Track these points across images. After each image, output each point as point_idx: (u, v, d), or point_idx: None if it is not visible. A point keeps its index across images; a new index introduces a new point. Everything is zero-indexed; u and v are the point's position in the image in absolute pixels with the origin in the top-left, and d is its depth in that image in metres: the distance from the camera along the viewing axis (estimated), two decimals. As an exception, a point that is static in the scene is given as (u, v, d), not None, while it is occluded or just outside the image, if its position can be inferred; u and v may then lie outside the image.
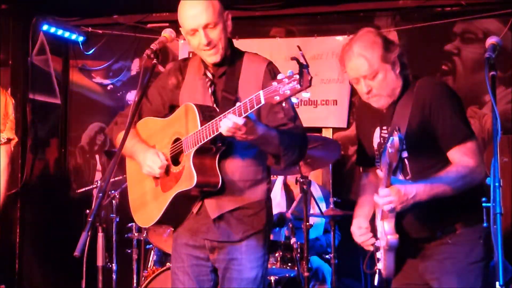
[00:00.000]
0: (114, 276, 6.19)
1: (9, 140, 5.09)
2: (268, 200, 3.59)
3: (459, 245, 3.27)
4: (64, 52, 7.86)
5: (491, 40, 3.05)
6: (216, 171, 3.40)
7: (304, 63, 2.86)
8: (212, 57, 3.48)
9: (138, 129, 3.71)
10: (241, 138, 3.16)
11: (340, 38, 7.04)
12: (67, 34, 7.58)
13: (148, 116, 3.72)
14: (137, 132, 3.69)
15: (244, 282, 3.49)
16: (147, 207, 3.66)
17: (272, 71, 3.49)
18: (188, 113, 3.42)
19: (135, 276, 6.10)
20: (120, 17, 7.58)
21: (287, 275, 5.47)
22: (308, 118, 6.78)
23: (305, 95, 2.92)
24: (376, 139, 3.47)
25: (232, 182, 3.46)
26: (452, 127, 3.23)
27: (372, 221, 3.43)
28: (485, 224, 2.73)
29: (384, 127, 3.40)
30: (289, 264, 5.57)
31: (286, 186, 6.57)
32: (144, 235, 5.91)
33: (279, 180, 6.51)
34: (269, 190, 3.60)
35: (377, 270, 3.40)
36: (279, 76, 2.95)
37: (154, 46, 3.37)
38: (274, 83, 2.94)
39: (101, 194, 2.98)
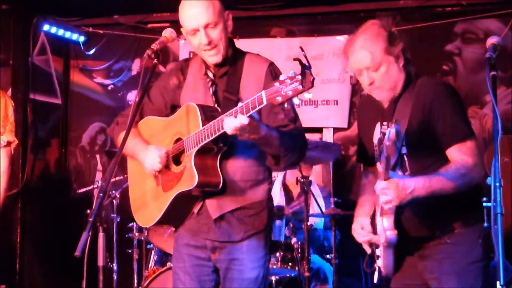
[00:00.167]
0: (115, 276, 6.19)
1: (9, 143, 5.10)
2: (269, 200, 3.59)
3: (458, 245, 3.27)
4: (65, 52, 7.86)
5: (491, 40, 3.04)
6: (217, 171, 3.40)
7: (307, 64, 2.86)
8: (213, 57, 3.48)
9: (140, 129, 3.71)
10: (243, 138, 3.16)
11: (340, 38, 7.05)
12: (68, 34, 7.58)
13: (150, 116, 3.72)
14: (138, 131, 3.70)
15: (245, 282, 3.49)
16: (148, 207, 3.66)
17: (273, 72, 3.49)
18: (189, 113, 3.42)
19: (135, 276, 6.11)
20: (121, 17, 7.59)
21: (288, 275, 5.47)
22: (308, 118, 6.79)
23: (307, 96, 2.92)
24: (376, 135, 3.47)
25: (234, 182, 3.46)
26: (452, 125, 3.23)
27: (373, 219, 3.43)
28: (485, 224, 2.73)
29: (385, 123, 3.40)
30: (290, 264, 5.58)
31: (285, 186, 6.58)
32: (144, 235, 5.91)
33: (278, 180, 6.52)
34: (270, 190, 3.60)
35: (377, 268, 3.40)
36: (281, 77, 2.95)
37: (154, 46, 3.37)
38: (276, 84, 2.94)
39: (101, 194, 2.98)
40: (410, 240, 3.32)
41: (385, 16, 6.78)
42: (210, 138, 3.25)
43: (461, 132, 3.23)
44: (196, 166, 3.32)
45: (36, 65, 7.24)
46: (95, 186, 6.48)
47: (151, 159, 3.52)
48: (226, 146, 3.38)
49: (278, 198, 6.38)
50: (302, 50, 2.95)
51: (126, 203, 3.86)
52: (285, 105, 2.95)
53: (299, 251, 5.44)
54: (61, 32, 7.49)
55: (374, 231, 3.38)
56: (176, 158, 3.51)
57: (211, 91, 3.55)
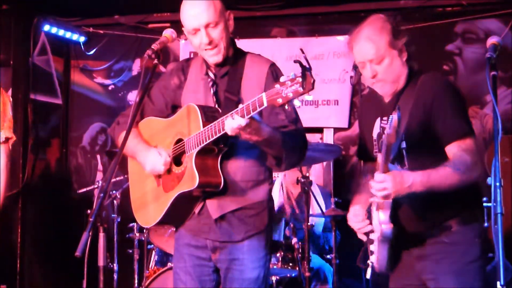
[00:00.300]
0: (115, 276, 6.20)
1: (7, 139, 5.09)
2: (270, 201, 3.59)
3: (456, 245, 3.27)
4: (65, 52, 7.87)
5: (492, 40, 3.05)
6: (218, 171, 3.40)
7: (307, 66, 2.87)
8: (214, 57, 3.49)
9: (140, 129, 3.72)
10: (245, 138, 3.16)
11: (341, 38, 7.05)
12: (68, 34, 7.59)
13: (151, 116, 3.72)
14: (139, 132, 3.70)
15: (246, 282, 3.50)
16: (149, 207, 3.67)
17: (274, 73, 3.49)
18: (190, 113, 3.42)
19: (136, 276, 6.11)
20: (121, 17, 7.59)
21: (288, 275, 5.47)
22: (309, 118, 6.79)
23: (307, 97, 2.92)
24: (376, 130, 3.47)
25: (234, 182, 3.46)
26: (453, 122, 3.23)
27: (369, 214, 3.43)
28: (485, 224, 2.74)
29: (385, 118, 3.40)
30: (291, 264, 5.58)
31: (284, 187, 6.58)
32: (145, 235, 5.92)
33: (277, 181, 6.52)
34: (271, 191, 3.60)
35: (370, 263, 3.40)
36: (282, 79, 2.95)
37: (155, 46, 3.37)
38: (277, 86, 2.94)
39: (102, 194, 2.98)
40: (407, 236, 3.31)
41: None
42: (211, 139, 3.25)
43: (461, 130, 3.23)
44: (197, 166, 3.33)
45: (36, 65, 7.24)
46: (96, 186, 6.49)
47: (152, 163, 3.52)
48: (227, 147, 3.38)
49: (278, 199, 6.38)
50: (303, 52, 2.96)
51: (126, 203, 3.86)
52: (286, 107, 2.95)
53: (300, 251, 5.45)
54: (61, 32, 7.49)
55: (369, 220, 3.37)
56: (177, 158, 3.52)
57: (212, 91, 3.55)
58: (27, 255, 6.97)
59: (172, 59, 7.54)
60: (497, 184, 2.65)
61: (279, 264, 5.56)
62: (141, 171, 3.67)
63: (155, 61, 3.35)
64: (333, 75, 7.08)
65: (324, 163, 6.98)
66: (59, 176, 7.76)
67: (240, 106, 3.09)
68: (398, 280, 3.45)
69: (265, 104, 2.98)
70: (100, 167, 7.85)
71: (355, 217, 3.39)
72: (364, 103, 3.77)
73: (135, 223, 5.94)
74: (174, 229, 3.77)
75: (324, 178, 7.13)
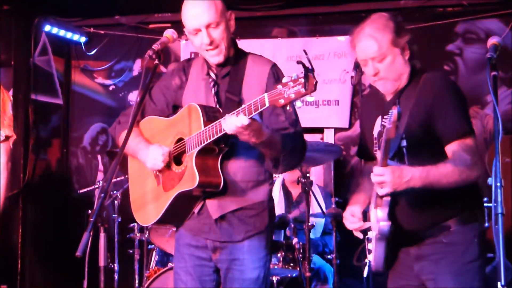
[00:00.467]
0: (116, 276, 6.21)
1: (7, 138, 5.08)
2: (270, 201, 3.59)
3: (454, 245, 3.26)
4: (66, 52, 7.87)
5: (492, 40, 3.05)
6: (218, 171, 3.40)
7: (310, 67, 2.87)
8: (215, 57, 3.49)
9: (141, 128, 3.72)
10: (244, 139, 3.16)
11: (341, 38, 7.06)
12: (69, 35, 7.59)
13: (151, 115, 3.72)
14: (139, 131, 3.70)
15: (246, 282, 3.49)
16: (148, 206, 3.67)
17: (276, 74, 3.49)
18: (191, 113, 3.43)
19: (137, 277, 6.11)
20: (122, 18, 7.59)
21: (289, 275, 5.47)
22: (310, 118, 6.81)
23: (309, 98, 2.92)
24: (376, 128, 3.47)
25: (234, 182, 3.46)
26: (454, 122, 3.22)
27: (365, 214, 3.43)
28: (486, 225, 2.74)
29: (386, 117, 3.40)
30: (291, 264, 5.58)
31: (284, 188, 6.58)
32: (146, 236, 5.92)
33: (277, 182, 6.52)
34: (271, 191, 3.60)
35: (367, 262, 3.40)
36: (284, 80, 2.95)
37: (155, 46, 3.37)
38: (279, 86, 2.94)
39: (103, 194, 2.98)
40: (405, 235, 3.31)
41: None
42: (212, 139, 3.26)
43: (461, 130, 3.23)
44: (197, 166, 3.33)
45: (37, 65, 7.25)
46: (97, 186, 6.50)
47: (153, 158, 3.52)
48: (227, 147, 3.38)
49: (278, 199, 6.39)
50: (306, 53, 2.96)
51: (127, 204, 3.86)
52: (287, 108, 2.96)
53: (300, 251, 5.45)
54: (62, 32, 7.50)
55: (365, 220, 3.37)
56: (177, 158, 3.52)
57: (213, 91, 3.55)
58: (27, 255, 6.97)
59: (173, 60, 7.54)
60: (498, 184, 2.65)
61: (280, 264, 5.56)
62: (141, 170, 3.68)
63: (156, 61, 3.36)
64: (334, 75, 7.09)
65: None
66: (60, 176, 7.77)
67: (242, 106, 3.09)
68: (396, 280, 3.45)
69: (267, 105, 2.98)
70: (100, 167, 7.85)
71: (350, 217, 3.40)
72: (365, 102, 3.77)
73: (135, 223, 5.94)
74: (175, 229, 3.77)
75: (325, 178, 7.13)
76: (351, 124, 7.09)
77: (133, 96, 7.69)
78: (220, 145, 3.36)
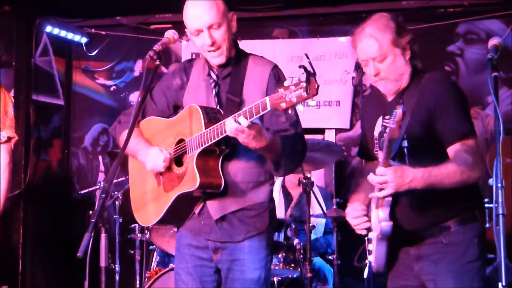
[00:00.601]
0: (116, 277, 6.21)
1: (9, 139, 5.08)
2: (271, 202, 3.59)
3: (454, 245, 3.26)
4: (67, 53, 7.88)
5: (493, 41, 3.04)
6: (219, 173, 3.41)
7: (312, 71, 2.87)
8: (217, 58, 3.49)
9: (142, 128, 3.72)
10: (244, 142, 3.16)
11: (342, 39, 7.06)
12: (70, 35, 7.60)
13: (152, 115, 3.73)
14: (140, 131, 3.70)
15: (247, 282, 3.49)
16: (149, 206, 3.67)
17: (277, 75, 3.50)
18: (192, 114, 3.43)
19: (138, 277, 6.11)
20: (123, 18, 7.60)
21: (290, 276, 5.47)
22: (311, 119, 6.80)
23: (311, 102, 2.93)
24: (377, 128, 3.47)
25: (235, 183, 3.47)
26: (455, 123, 3.22)
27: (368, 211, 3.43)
28: (487, 225, 2.74)
29: (387, 117, 3.40)
30: (292, 265, 5.58)
31: (284, 189, 6.59)
32: (147, 236, 5.92)
33: (277, 183, 6.52)
34: (272, 192, 3.60)
35: (368, 262, 3.40)
36: (285, 83, 2.95)
37: (156, 47, 3.38)
38: (281, 90, 2.95)
39: (104, 195, 2.98)
40: (405, 235, 3.31)
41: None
42: (213, 141, 3.26)
43: (463, 131, 3.23)
44: (198, 167, 3.33)
45: (38, 66, 7.26)
46: (98, 187, 6.50)
47: (153, 161, 3.52)
48: (228, 148, 3.38)
49: (277, 200, 6.39)
50: (307, 57, 2.97)
51: (128, 204, 3.86)
52: (290, 111, 2.96)
53: (301, 252, 5.45)
54: (63, 33, 7.51)
55: (368, 217, 3.37)
56: (178, 159, 3.52)
57: (213, 92, 3.55)
58: (28, 255, 6.97)
59: (174, 60, 7.55)
60: (499, 185, 2.65)
61: (281, 265, 5.56)
62: (141, 170, 3.68)
63: (157, 62, 3.35)
64: (335, 76, 7.09)
65: (325, 164, 6.98)
66: (61, 177, 7.77)
67: (244, 108, 3.09)
68: (396, 281, 3.45)
69: (269, 108, 2.99)
70: (102, 168, 7.86)
71: (353, 212, 3.39)
72: (366, 102, 3.77)
73: (136, 224, 5.95)
74: (176, 230, 3.77)
75: (326, 179, 7.13)
76: (352, 125, 7.09)
77: (134, 97, 7.70)
78: (221, 146, 3.36)
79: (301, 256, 5.43)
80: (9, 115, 5.11)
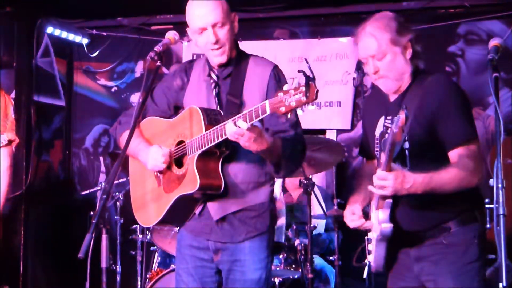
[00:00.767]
0: (118, 278, 6.21)
1: (10, 142, 5.08)
2: (271, 202, 3.59)
3: (454, 246, 3.27)
4: (68, 54, 7.88)
5: (493, 42, 3.05)
6: (219, 174, 3.41)
7: (311, 75, 2.88)
8: (219, 57, 3.50)
9: (142, 129, 3.72)
10: (245, 146, 3.17)
11: (343, 40, 7.06)
12: (71, 36, 7.60)
13: (153, 116, 3.73)
14: (140, 131, 3.70)
15: (248, 283, 3.50)
16: (149, 207, 3.68)
17: (277, 75, 3.50)
18: (193, 116, 3.43)
19: (139, 278, 6.11)
20: (124, 19, 7.60)
21: (291, 276, 5.47)
22: (312, 119, 6.80)
23: (310, 107, 2.94)
24: (379, 128, 3.47)
25: (235, 184, 3.47)
26: (458, 127, 3.22)
27: (366, 213, 3.44)
28: (488, 226, 2.74)
29: (389, 117, 3.40)
30: (293, 266, 5.58)
31: (284, 190, 6.59)
32: (148, 237, 5.92)
33: (277, 184, 6.51)
34: (272, 193, 3.60)
35: (367, 262, 3.40)
36: (285, 87, 2.96)
37: (157, 48, 3.38)
38: (280, 94, 2.96)
39: (105, 196, 2.99)
40: (405, 236, 3.32)
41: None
42: (213, 143, 3.27)
43: (466, 135, 3.23)
44: (198, 169, 3.33)
45: (39, 67, 7.26)
46: (99, 188, 6.49)
47: (153, 159, 3.53)
48: (228, 150, 3.39)
49: (278, 201, 6.38)
50: (307, 62, 2.97)
51: (129, 205, 3.87)
52: (289, 115, 2.97)
53: (302, 253, 5.45)
54: (64, 34, 7.51)
55: (366, 218, 3.38)
56: (178, 160, 3.52)
57: (214, 92, 3.55)
58: (30, 256, 6.97)
59: (175, 61, 7.55)
60: (499, 185, 2.66)
61: (282, 265, 5.56)
62: (142, 171, 3.68)
63: (158, 63, 3.36)
64: (336, 76, 7.09)
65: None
66: (62, 178, 7.77)
67: (244, 112, 3.10)
68: (396, 282, 3.46)
69: (268, 112, 3.00)
70: (103, 168, 7.86)
71: (351, 215, 3.40)
72: (368, 101, 3.78)
73: (138, 225, 5.95)
74: (177, 231, 3.78)
75: (327, 180, 7.13)
76: (353, 126, 7.08)
77: (135, 98, 7.70)
78: (221, 148, 3.37)
79: (302, 256, 5.44)
80: (9, 118, 5.11)
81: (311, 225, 5.31)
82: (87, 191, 6.70)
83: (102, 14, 7.53)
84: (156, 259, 6.01)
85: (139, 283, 6.11)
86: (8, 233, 6.43)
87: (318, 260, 6.04)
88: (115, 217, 6.22)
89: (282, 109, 2.95)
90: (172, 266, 5.64)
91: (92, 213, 6.14)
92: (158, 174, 3.61)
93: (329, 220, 6.13)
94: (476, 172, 3.18)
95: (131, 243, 6.14)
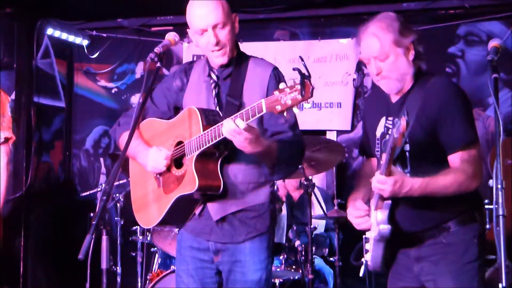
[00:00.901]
0: (118, 279, 6.20)
1: (6, 140, 5.05)
2: (271, 203, 3.59)
3: (454, 245, 3.27)
4: (68, 55, 7.88)
5: (493, 43, 3.04)
6: (218, 175, 3.41)
7: (306, 73, 2.88)
8: (220, 58, 3.50)
9: (141, 130, 3.72)
10: (240, 146, 3.17)
11: (343, 41, 7.07)
12: (71, 38, 7.60)
13: (152, 117, 3.73)
14: (140, 133, 3.70)
15: (248, 284, 3.49)
16: (149, 208, 3.68)
17: (277, 77, 3.50)
18: (191, 116, 3.43)
19: (139, 279, 6.11)
20: (124, 21, 7.60)
21: (291, 277, 5.48)
22: (312, 120, 6.82)
23: (306, 105, 2.94)
24: (380, 129, 3.47)
25: (235, 184, 3.47)
26: (459, 131, 3.22)
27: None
28: (487, 226, 2.74)
29: (390, 118, 3.40)
30: (294, 266, 5.58)
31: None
32: (148, 238, 5.92)
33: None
34: (272, 193, 3.60)
35: (364, 261, 3.41)
36: (280, 86, 2.97)
37: (157, 49, 3.37)
38: (276, 93, 2.97)
39: (105, 197, 2.99)
40: (404, 236, 3.32)
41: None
42: (211, 143, 3.27)
43: (466, 139, 3.22)
44: (197, 170, 3.33)
45: (40, 68, 7.26)
46: (99, 189, 6.49)
47: (154, 161, 3.53)
48: (227, 150, 3.39)
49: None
50: (302, 60, 2.97)
51: (129, 206, 3.87)
52: (285, 114, 2.97)
53: (303, 253, 5.45)
54: (64, 35, 7.51)
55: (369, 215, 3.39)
56: (177, 160, 3.52)
57: (213, 93, 3.56)
58: (30, 257, 6.97)
59: (175, 62, 7.55)
60: (499, 186, 2.66)
61: (282, 266, 5.57)
62: (142, 172, 3.68)
63: (158, 64, 3.36)
64: (336, 77, 7.09)
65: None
66: (62, 179, 7.78)
67: (240, 111, 3.11)
68: (396, 282, 3.46)
69: (264, 111, 3.01)
70: (103, 170, 7.86)
71: (355, 212, 3.40)
72: (369, 100, 3.77)
73: (138, 226, 5.95)
74: (177, 232, 3.78)
75: (327, 181, 7.13)
76: (353, 127, 7.09)
77: (136, 99, 7.70)
78: (220, 149, 3.37)
79: (303, 257, 5.44)
80: (6, 116, 5.08)
81: (312, 226, 5.31)
82: (87, 192, 6.70)
83: (102, 16, 7.54)
84: (157, 260, 6.00)
85: (139, 284, 6.11)
86: (9, 234, 6.43)
87: (317, 261, 6.04)
88: (116, 218, 6.22)
89: (278, 108, 2.96)
90: (172, 267, 5.64)
91: (92, 214, 6.14)
92: (158, 176, 3.61)
93: (329, 221, 6.13)
94: (475, 177, 3.19)
95: (132, 244, 6.14)
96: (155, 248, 5.97)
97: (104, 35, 7.74)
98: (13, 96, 6.66)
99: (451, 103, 3.25)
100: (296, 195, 6.51)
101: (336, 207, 5.84)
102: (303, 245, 5.47)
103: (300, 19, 7.35)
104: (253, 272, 3.50)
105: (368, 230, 3.36)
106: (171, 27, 6.96)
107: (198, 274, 3.60)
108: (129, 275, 6.34)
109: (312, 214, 5.56)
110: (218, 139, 3.23)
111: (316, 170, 5.78)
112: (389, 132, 3.10)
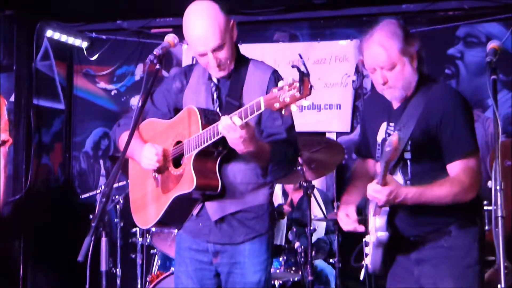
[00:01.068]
0: (118, 281, 6.20)
1: (4, 142, 5.05)
2: (270, 204, 3.59)
3: (454, 249, 3.27)
4: (68, 57, 7.88)
5: (491, 44, 3.04)
6: (216, 174, 3.41)
7: (305, 71, 2.88)
8: (221, 73, 3.50)
9: (142, 130, 3.72)
10: (234, 144, 3.17)
11: (343, 42, 7.08)
12: (71, 40, 7.60)
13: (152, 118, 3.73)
14: (139, 133, 3.69)
15: (247, 285, 3.49)
16: (147, 208, 3.68)
17: (277, 79, 3.48)
18: (190, 116, 3.44)
19: (139, 281, 6.11)
20: (124, 23, 7.60)
21: (291, 279, 5.47)
22: (311, 122, 6.82)
23: (304, 103, 2.93)
24: (381, 134, 3.46)
25: (234, 185, 3.47)
26: (459, 140, 3.21)
27: (362, 211, 3.46)
28: (486, 228, 2.75)
29: (392, 124, 3.39)
30: (293, 268, 5.58)
31: (284, 193, 6.59)
32: (148, 240, 5.92)
33: (278, 186, 6.51)
34: (271, 195, 3.60)
35: (364, 265, 3.41)
36: (279, 83, 2.97)
37: (157, 51, 3.37)
38: (274, 90, 2.97)
39: (104, 199, 2.99)
40: (404, 240, 3.32)
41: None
42: (210, 142, 3.27)
43: (466, 149, 3.22)
44: (195, 169, 3.33)
45: (39, 70, 7.26)
46: (99, 191, 6.49)
47: (146, 157, 3.52)
48: (226, 149, 3.38)
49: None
50: (301, 57, 2.97)
51: (129, 208, 3.87)
52: (283, 112, 2.97)
53: (302, 255, 5.45)
54: (64, 37, 7.50)
55: (359, 215, 3.40)
56: (176, 160, 3.53)
57: (214, 95, 3.56)
58: (29, 259, 6.97)
59: (174, 64, 7.56)
60: (498, 187, 2.66)
61: (282, 268, 5.56)
62: (141, 171, 3.68)
63: (157, 66, 3.35)
64: (335, 79, 7.10)
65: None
66: (62, 181, 7.77)
67: (239, 109, 3.11)
68: (396, 284, 3.46)
69: (263, 108, 3.01)
70: (103, 172, 7.86)
71: (346, 218, 3.40)
72: (369, 102, 3.76)
73: (138, 228, 5.95)
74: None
75: (327, 183, 7.13)
76: (352, 128, 7.09)
77: (135, 101, 7.70)
78: (219, 147, 3.37)
79: (302, 259, 5.43)
80: (3, 118, 5.07)
81: (311, 228, 5.30)
82: (87, 194, 6.70)
83: (102, 17, 7.54)
84: (156, 262, 6.00)
85: (139, 286, 6.11)
86: (8, 236, 6.44)
87: (318, 262, 6.04)
88: (115, 220, 6.22)
89: (277, 105, 2.96)
90: (172, 269, 5.64)
91: (92, 216, 6.14)
92: (156, 175, 3.61)
93: (328, 223, 6.13)
94: (471, 189, 3.20)
95: (131, 246, 6.13)
96: (155, 250, 5.97)
97: (104, 37, 7.75)
98: (12, 98, 6.66)
99: (452, 111, 3.24)
100: (296, 197, 6.51)
101: (335, 210, 5.84)
102: (302, 247, 5.47)
103: (299, 20, 7.35)
104: (253, 273, 3.50)
105: (357, 232, 3.38)
106: (170, 29, 6.95)
107: (197, 276, 3.60)
108: (128, 277, 6.34)
109: (312, 216, 5.56)
110: (216, 138, 3.23)
111: (317, 173, 5.77)
112: (387, 139, 3.10)
